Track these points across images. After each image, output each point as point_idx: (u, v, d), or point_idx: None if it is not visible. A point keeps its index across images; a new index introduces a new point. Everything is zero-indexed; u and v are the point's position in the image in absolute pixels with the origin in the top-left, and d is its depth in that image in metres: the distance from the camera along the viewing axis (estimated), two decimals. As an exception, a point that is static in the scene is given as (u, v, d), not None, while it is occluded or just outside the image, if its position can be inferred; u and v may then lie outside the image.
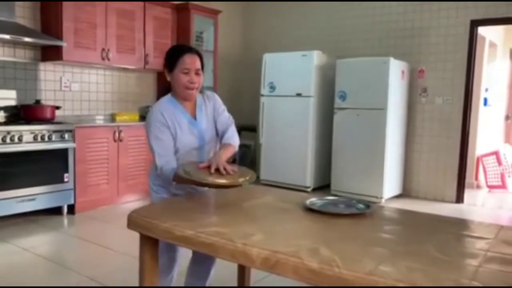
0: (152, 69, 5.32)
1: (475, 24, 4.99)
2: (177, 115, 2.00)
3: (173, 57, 1.98)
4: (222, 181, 1.74)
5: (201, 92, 2.10)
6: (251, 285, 2.34)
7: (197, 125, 2.04)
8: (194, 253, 2.18)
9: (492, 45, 6.35)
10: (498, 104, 6.84)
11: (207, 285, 2.24)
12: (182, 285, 2.29)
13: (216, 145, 2.13)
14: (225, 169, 1.77)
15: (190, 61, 1.95)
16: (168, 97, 2.05)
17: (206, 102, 2.10)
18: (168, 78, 2.03)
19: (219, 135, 2.11)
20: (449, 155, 5.20)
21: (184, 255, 2.14)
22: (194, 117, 2.05)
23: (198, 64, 1.98)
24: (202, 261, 2.21)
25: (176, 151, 1.99)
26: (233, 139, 2.06)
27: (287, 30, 6.37)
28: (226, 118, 2.13)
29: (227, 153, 1.95)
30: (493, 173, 6.07)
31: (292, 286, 1.60)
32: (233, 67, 6.64)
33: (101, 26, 4.61)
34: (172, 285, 2.13)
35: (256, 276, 2.34)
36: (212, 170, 1.76)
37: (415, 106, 5.40)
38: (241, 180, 1.79)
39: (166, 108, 1.99)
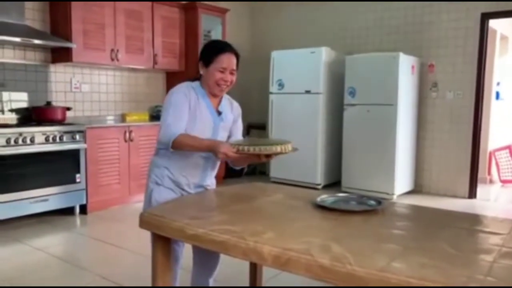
0: (161, 69, 5.35)
1: (486, 17, 4.92)
2: (202, 105, 2.00)
3: (211, 53, 1.98)
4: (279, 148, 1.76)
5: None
6: (264, 282, 2.33)
7: (219, 121, 2.06)
8: (195, 251, 2.19)
9: (504, 37, 6.26)
10: (511, 97, 6.74)
11: (213, 276, 2.24)
12: (187, 279, 2.29)
13: None
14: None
15: (228, 61, 1.97)
16: (197, 84, 2.04)
17: (232, 106, 2.15)
18: (201, 72, 2.03)
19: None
20: (461, 150, 5.15)
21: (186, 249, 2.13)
22: (217, 112, 2.06)
23: (234, 64, 2.00)
24: (204, 254, 2.20)
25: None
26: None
27: (295, 27, 6.35)
28: (240, 128, 2.19)
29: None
30: (506, 167, 6.00)
31: (304, 286, 1.59)
32: (242, 65, 6.45)
33: (110, 26, 4.64)
34: (177, 280, 2.12)
35: (268, 273, 2.33)
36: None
37: (426, 101, 5.35)
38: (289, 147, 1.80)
39: (194, 92, 2.00)
